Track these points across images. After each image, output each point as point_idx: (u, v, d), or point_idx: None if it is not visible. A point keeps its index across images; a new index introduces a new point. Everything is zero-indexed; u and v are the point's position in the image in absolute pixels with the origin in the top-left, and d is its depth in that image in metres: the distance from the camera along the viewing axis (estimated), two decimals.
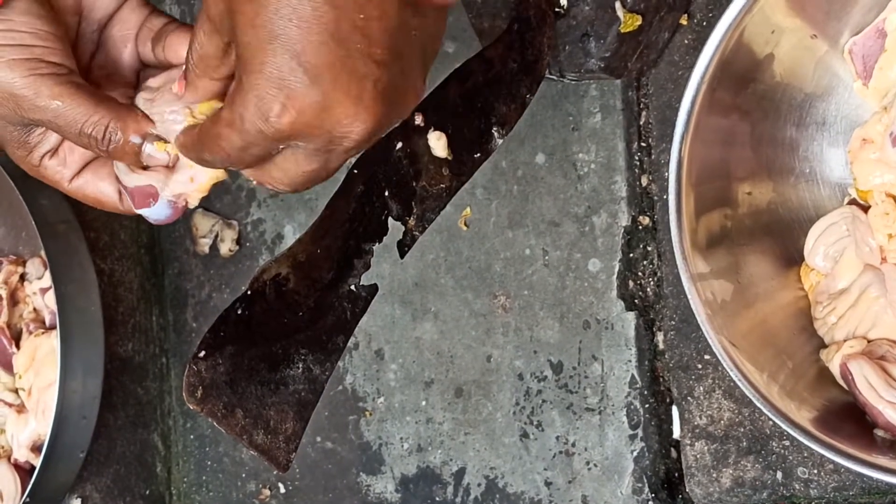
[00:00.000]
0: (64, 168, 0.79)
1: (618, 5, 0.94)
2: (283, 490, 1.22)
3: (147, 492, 1.25)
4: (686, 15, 1.00)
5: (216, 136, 0.70)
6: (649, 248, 1.05)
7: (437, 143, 0.83)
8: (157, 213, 0.78)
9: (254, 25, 0.65)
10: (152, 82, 0.77)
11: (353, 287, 0.80)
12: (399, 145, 0.81)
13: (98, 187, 0.79)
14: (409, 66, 0.69)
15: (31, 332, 1.18)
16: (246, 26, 0.65)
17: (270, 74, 0.65)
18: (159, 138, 0.76)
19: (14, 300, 1.21)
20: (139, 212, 0.78)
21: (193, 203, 0.79)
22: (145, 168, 0.77)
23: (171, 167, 0.77)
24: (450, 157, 0.83)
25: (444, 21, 0.71)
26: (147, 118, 0.76)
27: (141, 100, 0.77)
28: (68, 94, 0.74)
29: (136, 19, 0.80)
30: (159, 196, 0.78)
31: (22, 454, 1.17)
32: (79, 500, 1.20)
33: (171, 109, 0.75)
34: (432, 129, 0.82)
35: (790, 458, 0.97)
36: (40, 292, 1.19)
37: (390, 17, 0.66)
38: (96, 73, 0.80)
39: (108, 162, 0.79)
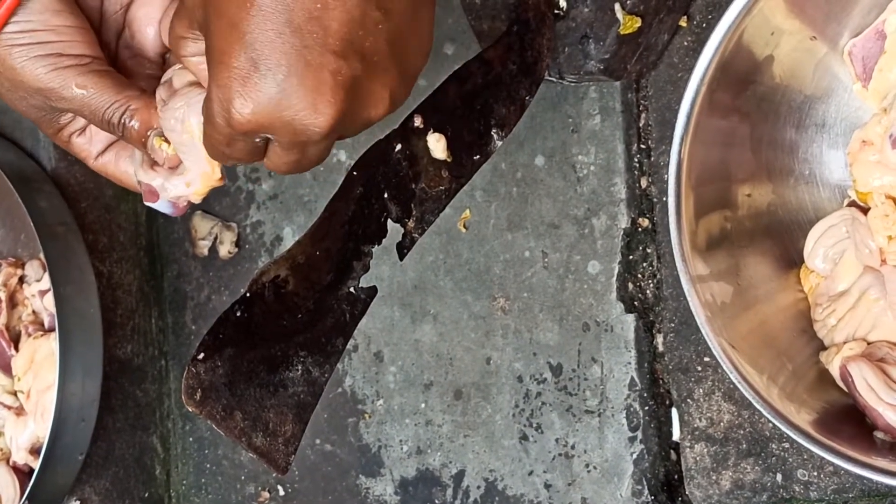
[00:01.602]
0: (90, 146, 0.82)
1: (617, 7, 0.94)
2: (282, 492, 1.21)
3: (146, 494, 1.25)
4: (685, 17, 1.00)
5: (208, 138, 0.72)
6: (649, 250, 1.05)
7: (437, 145, 0.83)
8: (161, 207, 0.82)
9: (218, 15, 0.65)
10: (176, 81, 0.78)
11: (352, 289, 0.80)
12: (398, 147, 0.81)
13: (119, 166, 0.83)
14: (377, 61, 0.68)
15: (29, 335, 1.18)
16: (212, 16, 0.66)
17: (230, 66, 0.65)
18: (162, 136, 0.77)
19: (13, 302, 1.20)
20: (148, 205, 0.82)
21: (196, 201, 0.81)
22: (153, 162, 0.80)
23: (172, 168, 0.79)
24: (449, 159, 0.83)
25: (423, 20, 0.71)
26: (156, 114, 0.78)
27: (159, 97, 0.78)
28: (91, 84, 0.77)
29: (160, 2, 0.81)
30: (160, 197, 0.81)
31: (21, 457, 1.16)
32: (77, 502, 1.20)
33: (176, 115, 0.76)
34: (431, 130, 0.82)
35: (790, 460, 0.97)
36: (39, 294, 1.19)
37: (348, 8, 0.65)
38: (123, 54, 0.83)
39: (127, 146, 0.83)
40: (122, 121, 0.77)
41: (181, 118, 0.76)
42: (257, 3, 0.64)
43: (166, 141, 0.77)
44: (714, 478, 1.00)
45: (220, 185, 0.80)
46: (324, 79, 0.66)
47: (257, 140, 0.70)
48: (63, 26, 0.76)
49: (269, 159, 0.72)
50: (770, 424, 0.96)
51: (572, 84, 1.00)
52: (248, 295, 0.75)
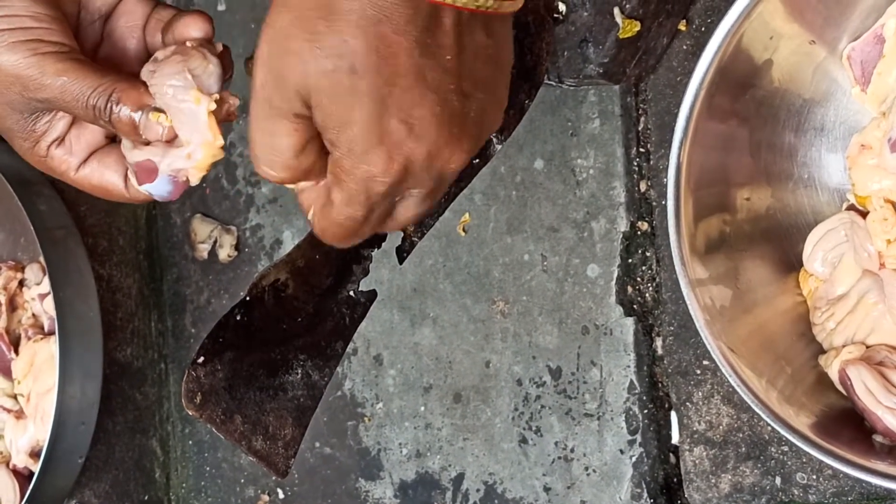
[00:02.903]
0: (70, 156, 0.79)
1: (616, 11, 0.94)
2: (281, 496, 1.22)
3: (146, 497, 1.25)
4: (685, 21, 1.00)
5: (335, 218, 0.69)
6: (648, 254, 1.05)
7: None
8: (158, 189, 0.77)
9: (353, 94, 0.64)
10: (159, 54, 0.77)
11: (351, 293, 0.80)
12: None
13: (104, 176, 0.79)
14: (489, 83, 0.69)
15: (29, 338, 1.18)
16: (345, 97, 0.64)
17: (379, 139, 0.65)
18: (157, 110, 0.75)
19: (13, 306, 1.21)
20: (143, 188, 0.78)
21: (194, 180, 0.77)
22: (147, 143, 0.77)
23: (169, 142, 0.76)
24: None
25: (508, 30, 0.72)
26: (147, 91, 0.75)
27: (145, 71, 0.77)
28: (72, 69, 0.74)
29: (142, 10, 0.80)
30: (158, 171, 0.77)
31: (21, 460, 1.17)
32: None
33: (170, 82, 0.75)
34: None
35: (789, 463, 0.97)
36: (39, 298, 1.19)
37: (471, 49, 0.66)
38: (102, 65, 0.80)
39: (113, 150, 0.79)
40: (109, 105, 0.74)
41: (181, 85, 0.75)
42: (401, 72, 0.64)
43: (161, 111, 0.75)
44: (713, 481, 1.00)
45: (221, 158, 0.78)
46: (464, 122, 0.67)
47: (397, 199, 0.70)
48: (43, 14, 0.75)
49: (403, 215, 0.71)
50: (769, 428, 0.96)
51: (571, 88, 1.00)
52: (247, 298, 0.75)
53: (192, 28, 0.78)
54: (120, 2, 0.80)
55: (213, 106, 0.74)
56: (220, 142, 0.76)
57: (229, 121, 0.77)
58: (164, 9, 0.80)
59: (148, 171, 0.77)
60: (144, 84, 0.76)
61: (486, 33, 0.68)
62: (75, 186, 0.80)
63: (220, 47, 0.78)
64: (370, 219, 0.69)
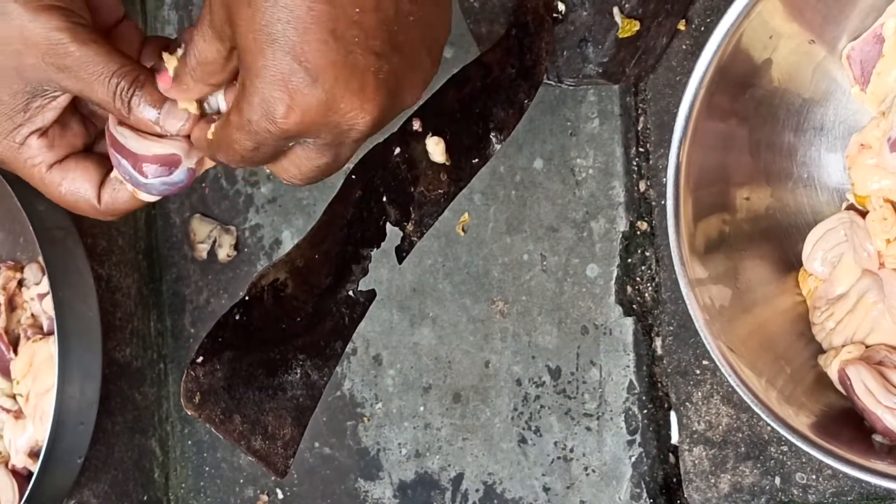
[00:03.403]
0: (48, 152, 0.77)
1: (616, 11, 0.94)
2: (280, 496, 1.21)
3: (145, 497, 1.25)
4: (684, 20, 1.00)
5: (228, 140, 0.71)
6: (647, 254, 1.05)
7: (436, 149, 0.83)
8: (172, 179, 0.77)
9: (252, 30, 0.65)
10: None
11: (351, 292, 0.80)
12: (397, 151, 0.81)
13: (76, 182, 0.77)
14: (410, 53, 0.69)
15: (28, 338, 1.18)
16: (245, 31, 0.66)
17: (273, 77, 0.66)
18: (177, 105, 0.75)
19: (12, 306, 1.21)
20: (145, 182, 0.76)
21: (207, 166, 0.78)
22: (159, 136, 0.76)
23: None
24: (448, 163, 0.83)
25: (447, 5, 0.72)
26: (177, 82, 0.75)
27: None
28: (101, 45, 0.74)
29: (138, 39, 0.79)
30: (181, 163, 0.76)
31: (20, 460, 1.17)
32: None
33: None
34: (430, 134, 0.82)
35: (788, 463, 0.97)
36: (38, 298, 1.19)
37: (386, 8, 0.66)
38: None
39: (90, 158, 0.78)
40: (133, 89, 0.74)
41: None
42: (296, 14, 0.64)
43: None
44: (713, 481, 1.00)
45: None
46: (368, 80, 0.67)
47: (291, 144, 0.70)
48: None
49: (295, 165, 0.72)
50: (768, 428, 0.96)
51: (571, 87, 1.00)
52: (247, 298, 0.75)
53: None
54: (117, 26, 0.80)
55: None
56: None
57: None
58: (157, 39, 0.79)
59: (167, 164, 0.76)
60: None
61: (411, 0, 0.68)
62: (39, 188, 0.78)
63: None
64: (261, 151, 0.70)
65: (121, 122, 0.76)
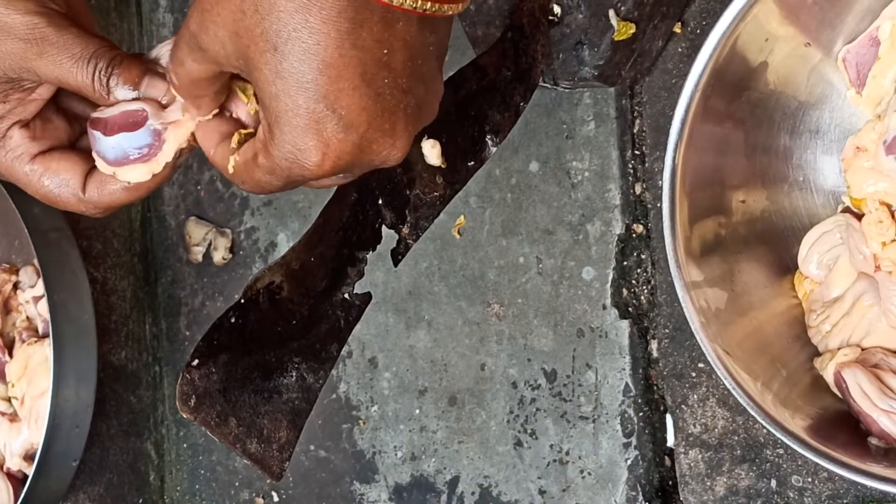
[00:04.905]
0: (30, 143, 0.76)
1: (611, 13, 0.94)
2: (276, 499, 1.21)
3: (140, 500, 1.25)
4: (680, 23, 1.00)
5: (255, 180, 0.70)
6: (643, 257, 1.05)
7: (431, 152, 0.82)
8: (132, 141, 0.74)
9: (279, 75, 0.64)
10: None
11: (346, 295, 0.80)
12: None
13: (59, 174, 0.76)
14: (430, 79, 0.69)
15: (23, 341, 1.18)
16: (271, 76, 0.65)
17: (306, 125, 0.65)
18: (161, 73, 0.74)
19: (7, 309, 1.20)
20: (112, 139, 0.74)
21: (171, 145, 0.75)
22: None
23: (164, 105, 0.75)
24: (443, 166, 0.83)
25: (451, 25, 0.72)
26: (147, 57, 0.74)
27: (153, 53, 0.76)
28: (78, 29, 0.73)
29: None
30: (147, 121, 0.74)
31: (14, 463, 1.16)
32: None
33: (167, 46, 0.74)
34: (426, 137, 0.82)
35: (784, 466, 0.97)
36: (33, 301, 1.19)
37: (411, 45, 0.66)
38: None
39: (73, 153, 0.77)
40: (111, 67, 0.73)
41: None
42: (326, 60, 0.64)
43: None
44: (708, 484, 1.00)
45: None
46: (398, 118, 0.67)
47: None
48: None
49: (314, 186, 0.72)
50: (764, 430, 0.96)
51: (567, 90, 1.00)
52: (242, 301, 0.75)
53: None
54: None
55: None
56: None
57: None
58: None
59: (134, 120, 0.74)
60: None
61: (431, 30, 0.68)
62: (22, 180, 0.77)
63: None
64: (287, 188, 0.70)
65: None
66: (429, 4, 0.66)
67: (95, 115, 0.75)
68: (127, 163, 0.75)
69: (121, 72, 0.74)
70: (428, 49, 0.68)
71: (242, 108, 0.74)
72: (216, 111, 0.73)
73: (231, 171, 0.72)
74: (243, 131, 0.73)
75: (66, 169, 0.76)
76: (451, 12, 0.68)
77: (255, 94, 0.72)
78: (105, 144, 0.74)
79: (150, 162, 0.75)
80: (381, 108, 0.66)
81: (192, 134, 0.74)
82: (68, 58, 0.73)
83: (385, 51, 0.65)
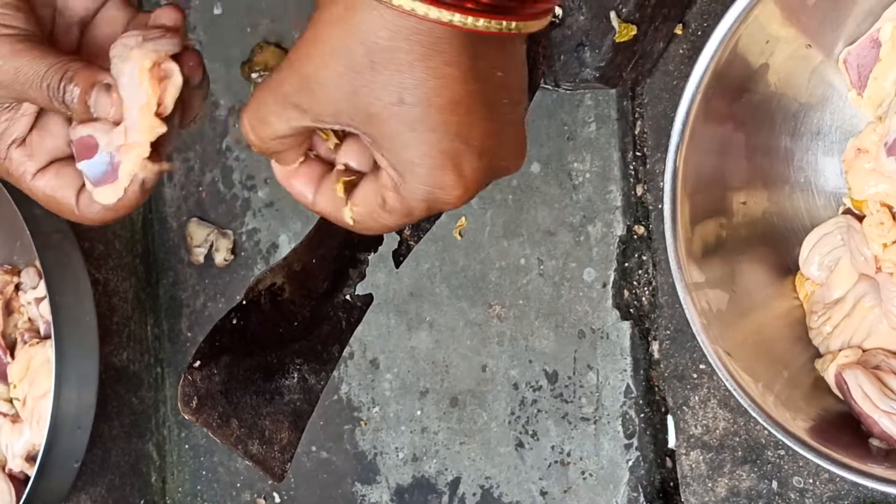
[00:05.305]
0: (29, 160, 0.76)
1: (613, 15, 0.94)
2: (277, 500, 1.21)
3: (142, 502, 1.25)
4: (681, 25, 1.00)
5: (385, 224, 0.69)
6: (644, 258, 1.05)
7: None
8: (93, 168, 0.73)
9: (410, 126, 0.64)
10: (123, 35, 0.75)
11: (348, 297, 0.80)
12: None
13: (57, 189, 0.76)
14: (525, 84, 0.69)
15: (25, 342, 1.18)
16: (400, 127, 0.64)
17: (443, 164, 0.65)
18: (109, 87, 0.72)
19: (9, 310, 1.20)
20: (80, 166, 0.74)
21: (127, 169, 0.73)
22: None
23: (117, 124, 0.73)
24: None
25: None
26: (103, 70, 0.73)
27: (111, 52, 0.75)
28: (28, 50, 0.73)
29: (123, 17, 0.79)
30: (98, 147, 0.73)
31: (16, 464, 1.16)
32: None
33: (118, 45, 0.73)
34: None
35: (786, 467, 0.97)
36: (35, 302, 1.19)
37: (514, 62, 0.67)
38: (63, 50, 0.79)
39: (70, 164, 0.76)
40: (63, 83, 0.72)
41: (128, 44, 0.72)
42: (457, 100, 0.64)
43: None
44: (710, 485, 1.00)
45: (164, 132, 0.72)
46: (520, 132, 0.68)
47: None
48: (4, 1, 0.73)
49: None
50: (766, 432, 0.96)
51: (568, 92, 1.00)
52: (244, 302, 0.75)
53: (163, 17, 0.76)
54: (101, 8, 0.79)
55: (150, 63, 0.71)
56: (154, 106, 0.72)
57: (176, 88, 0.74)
58: (146, 15, 0.79)
59: (87, 148, 0.73)
60: (94, 64, 0.73)
61: (521, 43, 0.68)
62: (29, 195, 0.78)
63: (191, 44, 0.76)
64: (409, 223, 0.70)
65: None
66: (522, 25, 0.66)
67: (70, 135, 0.75)
68: (100, 184, 0.74)
69: (74, 86, 0.73)
70: (522, 59, 0.68)
71: (321, 146, 0.72)
72: (302, 159, 0.72)
73: (352, 222, 0.71)
74: (345, 179, 0.71)
75: (62, 186, 0.77)
76: (535, 28, 0.69)
77: (333, 132, 0.71)
78: (81, 165, 0.74)
79: (114, 185, 0.74)
80: (505, 128, 0.67)
81: (150, 158, 0.72)
82: (22, 84, 0.73)
83: (500, 74, 0.65)
